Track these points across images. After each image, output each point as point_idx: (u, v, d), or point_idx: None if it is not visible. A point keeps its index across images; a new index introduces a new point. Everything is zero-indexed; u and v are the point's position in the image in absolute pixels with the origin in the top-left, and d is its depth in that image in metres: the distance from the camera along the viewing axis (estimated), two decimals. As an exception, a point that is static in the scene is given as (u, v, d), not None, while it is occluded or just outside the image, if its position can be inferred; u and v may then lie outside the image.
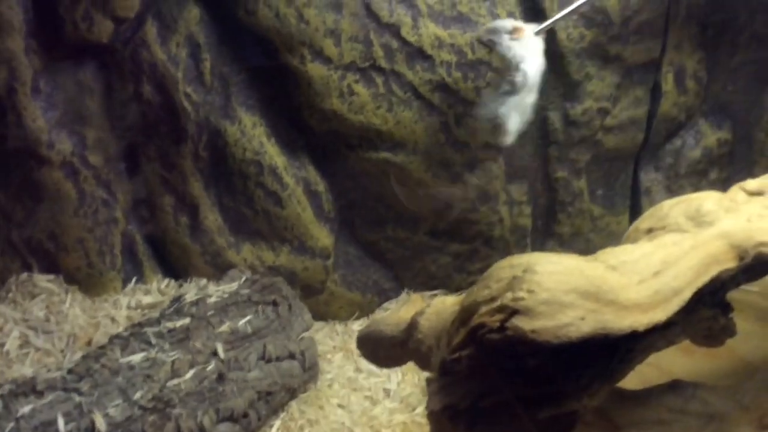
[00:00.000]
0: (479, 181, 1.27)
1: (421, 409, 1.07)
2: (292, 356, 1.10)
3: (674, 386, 0.93)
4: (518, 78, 1.10)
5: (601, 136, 1.29)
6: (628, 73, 1.27)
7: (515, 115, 1.13)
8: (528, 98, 1.12)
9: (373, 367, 1.20)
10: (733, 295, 1.11)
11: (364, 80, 1.20)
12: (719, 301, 0.84)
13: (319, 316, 1.30)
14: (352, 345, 1.21)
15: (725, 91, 1.33)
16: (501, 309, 0.70)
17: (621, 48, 1.24)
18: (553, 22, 1.16)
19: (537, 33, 1.12)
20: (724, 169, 1.36)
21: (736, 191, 0.89)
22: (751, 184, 0.89)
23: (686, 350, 1.10)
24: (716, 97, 1.33)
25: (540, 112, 1.24)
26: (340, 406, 1.13)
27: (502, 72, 1.12)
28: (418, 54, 1.20)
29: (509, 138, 1.14)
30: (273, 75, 1.22)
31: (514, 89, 1.11)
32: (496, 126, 1.13)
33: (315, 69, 1.18)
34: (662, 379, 0.92)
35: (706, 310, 0.83)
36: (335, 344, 1.27)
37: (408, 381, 1.17)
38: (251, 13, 1.18)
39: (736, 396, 0.92)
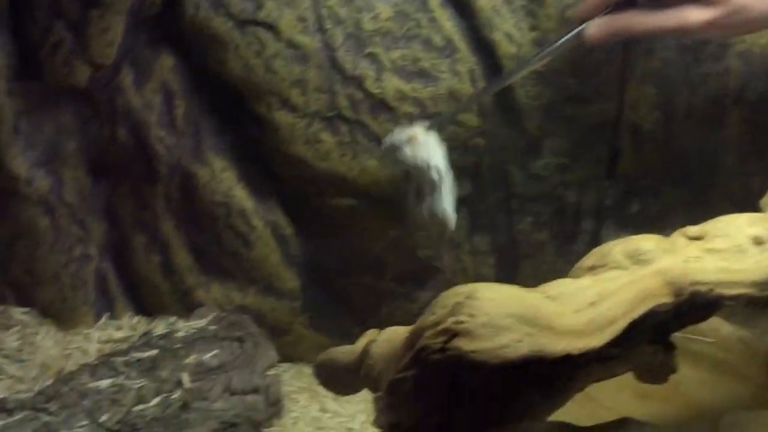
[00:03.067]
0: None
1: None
2: (256, 390, 1.12)
3: (622, 424, 0.95)
4: (434, 175, 1.17)
5: (562, 191, 1.32)
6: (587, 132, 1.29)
7: (448, 201, 1.19)
8: (449, 180, 1.19)
9: (338, 408, 1.22)
10: (691, 346, 1.15)
11: (329, 128, 1.24)
12: (661, 339, 0.88)
13: (287, 357, 1.32)
14: (319, 386, 1.22)
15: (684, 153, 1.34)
16: (444, 332, 0.73)
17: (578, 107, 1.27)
18: (452, 115, 1.24)
19: (429, 128, 1.19)
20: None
21: (677, 236, 0.93)
22: (692, 229, 0.92)
23: (643, 395, 1.13)
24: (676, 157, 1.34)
25: (501, 165, 1.28)
26: (303, 443, 1.14)
27: (418, 177, 1.19)
28: (381, 105, 1.24)
29: (453, 220, 1.19)
30: (242, 121, 1.26)
31: (436, 184, 1.18)
32: (442, 217, 1.19)
33: (282, 117, 1.23)
34: (618, 421, 0.96)
35: (648, 346, 0.86)
36: (301, 385, 1.28)
37: (371, 422, 1.19)
38: (221, 63, 1.23)
39: (682, 435, 0.96)
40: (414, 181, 1.21)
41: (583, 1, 1.11)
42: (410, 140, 1.18)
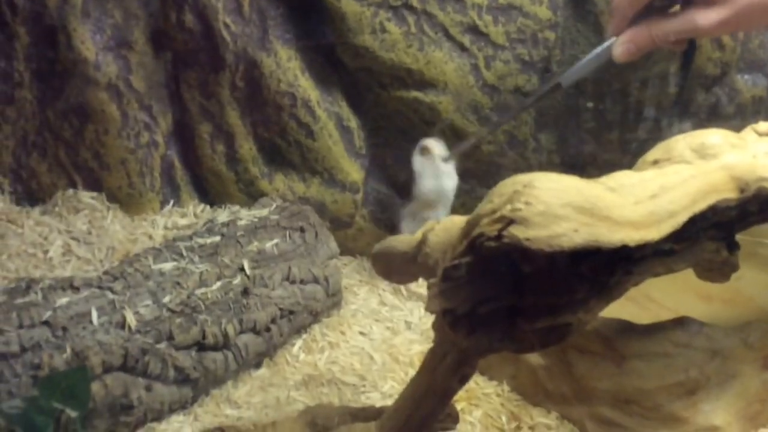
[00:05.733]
0: (507, 124, 1.30)
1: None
2: (316, 280, 1.14)
3: (681, 322, 0.95)
4: (414, 190, 1.26)
5: (634, 89, 1.30)
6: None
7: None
8: (438, 215, 1.26)
9: (397, 302, 1.24)
10: (758, 249, 1.14)
11: (396, 18, 1.23)
12: (724, 237, 0.86)
13: (348, 250, 1.34)
14: (379, 280, 1.25)
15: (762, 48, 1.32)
16: (499, 219, 0.73)
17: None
18: (469, 146, 1.26)
19: (445, 159, 1.25)
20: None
21: (747, 131, 0.91)
22: (763, 125, 0.91)
23: (705, 297, 1.13)
24: (752, 53, 1.32)
25: (571, 60, 1.25)
26: (361, 333, 1.17)
27: (415, 189, 1.27)
28: (449, -5, 1.23)
29: None
30: (309, 10, 1.25)
31: (423, 206, 1.27)
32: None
33: (348, 5, 1.22)
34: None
35: (710, 243, 0.85)
36: (361, 278, 1.30)
37: (429, 317, 1.20)
38: (289, -51, 1.23)
39: (742, 335, 0.94)
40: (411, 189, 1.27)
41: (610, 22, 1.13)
42: (423, 150, 1.25)
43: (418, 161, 1.25)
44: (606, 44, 1.12)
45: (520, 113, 1.27)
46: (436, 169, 1.24)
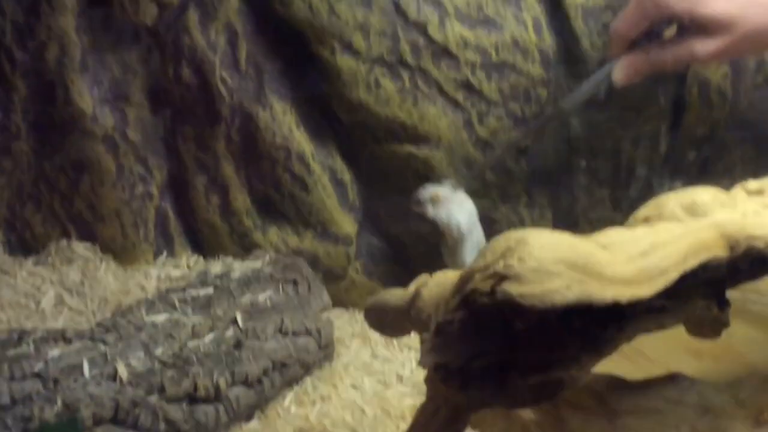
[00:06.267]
0: (500, 180, 1.31)
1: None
2: (308, 333, 1.13)
3: (672, 379, 0.95)
4: (454, 233, 1.23)
5: (625, 147, 1.31)
6: (653, 84, 1.28)
7: (473, 254, 1.22)
8: (474, 237, 1.24)
9: (389, 354, 1.24)
10: (749, 306, 1.14)
11: (390, 74, 1.24)
12: (715, 295, 0.87)
13: (340, 303, 1.34)
14: (371, 332, 1.24)
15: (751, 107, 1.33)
16: (493, 275, 0.73)
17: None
18: (480, 171, 1.28)
19: (454, 186, 1.24)
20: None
21: (736, 190, 0.92)
22: (752, 184, 0.91)
23: (695, 353, 1.13)
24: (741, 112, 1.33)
25: (563, 118, 1.27)
26: (353, 386, 1.16)
27: (444, 231, 1.24)
28: (443, 53, 1.24)
29: None
30: (304, 65, 1.27)
31: (457, 241, 1.23)
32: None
33: (344, 61, 1.23)
34: (669, 377, 0.95)
35: (701, 300, 0.85)
36: (354, 331, 1.30)
37: (422, 370, 1.19)
38: (286, 5, 1.23)
39: (733, 391, 0.93)
40: (441, 235, 1.26)
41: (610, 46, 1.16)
42: (433, 199, 1.23)
43: (438, 211, 1.24)
44: (606, 67, 1.14)
45: (522, 141, 1.27)
46: (457, 200, 1.24)
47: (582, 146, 1.30)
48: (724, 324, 0.88)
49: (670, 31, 1.14)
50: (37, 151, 1.30)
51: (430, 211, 1.23)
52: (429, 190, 1.24)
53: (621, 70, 1.11)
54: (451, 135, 1.27)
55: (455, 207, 1.23)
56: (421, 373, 1.08)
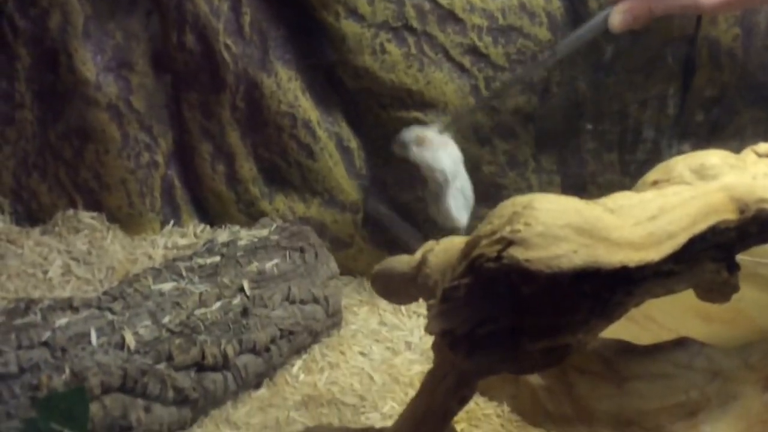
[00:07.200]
0: (507, 145, 1.30)
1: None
2: (316, 300, 1.14)
3: (681, 343, 0.95)
4: (438, 177, 1.19)
5: (633, 109, 1.29)
6: (661, 46, 1.27)
7: (457, 201, 1.21)
8: (458, 183, 1.21)
9: (397, 321, 1.24)
10: (759, 270, 1.14)
11: (396, 40, 1.23)
12: (724, 258, 0.86)
13: (347, 270, 1.33)
14: (378, 300, 1.23)
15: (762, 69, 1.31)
16: (499, 241, 0.74)
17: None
18: (467, 114, 1.25)
19: (440, 130, 1.21)
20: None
21: (746, 152, 0.91)
22: (763, 146, 0.91)
23: (706, 318, 1.13)
24: (751, 74, 1.32)
25: (571, 82, 1.26)
26: (361, 353, 1.16)
27: (427, 175, 1.21)
28: (449, 17, 1.23)
29: (462, 220, 1.21)
30: (309, 31, 1.26)
31: (441, 186, 1.20)
32: (447, 217, 1.21)
33: (349, 26, 1.22)
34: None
35: (710, 264, 0.85)
36: (361, 298, 1.30)
37: (430, 337, 1.20)
38: (288, -31, 1.23)
39: (743, 355, 0.94)
40: (423, 180, 1.23)
41: None
42: (418, 141, 1.21)
43: (423, 153, 1.21)
44: (603, 14, 1.11)
45: (514, 85, 1.25)
46: (443, 143, 1.22)
47: (590, 110, 1.29)
48: (734, 288, 0.88)
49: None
50: (42, 120, 1.30)
51: (414, 153, 1.20)
52: (414, 132, 1.21)
53: (618, 15, 1.07)
54: (458, 100, 1.25)
55: (440, 150, 1.20)
56: (429, 341, 1.08)
